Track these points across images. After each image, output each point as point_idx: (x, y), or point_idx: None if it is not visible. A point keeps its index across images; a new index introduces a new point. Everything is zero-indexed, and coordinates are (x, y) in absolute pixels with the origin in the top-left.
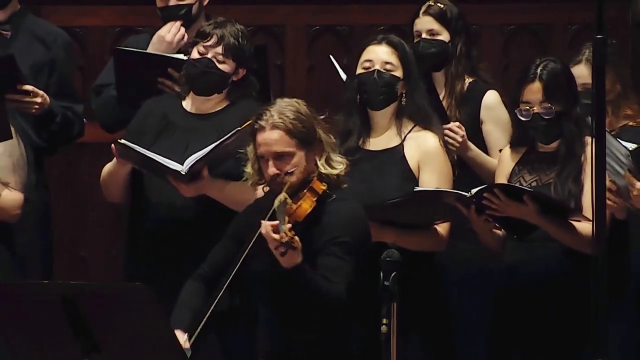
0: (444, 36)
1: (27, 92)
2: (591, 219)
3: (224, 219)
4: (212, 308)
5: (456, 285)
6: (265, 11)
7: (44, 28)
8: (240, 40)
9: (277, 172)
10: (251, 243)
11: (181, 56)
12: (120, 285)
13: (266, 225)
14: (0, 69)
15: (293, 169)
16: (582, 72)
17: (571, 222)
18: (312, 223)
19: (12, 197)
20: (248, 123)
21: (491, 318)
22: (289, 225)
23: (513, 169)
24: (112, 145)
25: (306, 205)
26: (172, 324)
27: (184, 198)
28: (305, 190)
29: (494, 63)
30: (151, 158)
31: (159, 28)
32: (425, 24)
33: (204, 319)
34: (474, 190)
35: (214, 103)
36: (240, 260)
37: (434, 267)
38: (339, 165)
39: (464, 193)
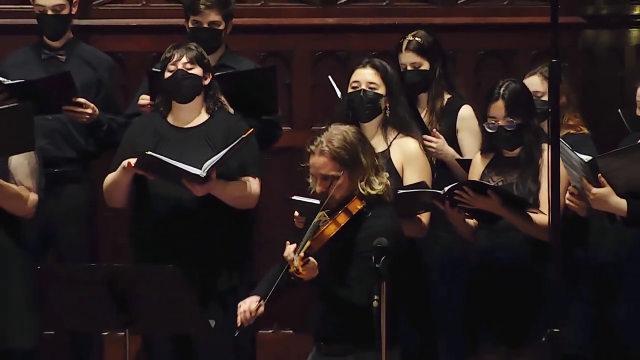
0: (425, 65)
1: (80, 104)
2: (546, 212)
3: (221, 211)
4: (277, 281)
5: (435, 268)
6: (277, 39)
7: (92, 53)
8: (198, 50)
9: (324, 190)
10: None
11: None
12: (154, 267)
13: (289, 250)
14: (58, 84)
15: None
16: (534, 81)
17: (528, 213)
18: (351, 235)
19: (27, 195)
20: (249, 132)
21: (464, 295)
22: (302, 255)
23: (483, 171)
24: (127, 160)
25: (329, 230)
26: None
27: (188, 194)
28: (340, 212)
29: (467, 82)
30: (173, 165)
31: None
32: (408, 58)
33: (272, 287)
34: (446, 188)
35: (194, 115)
36: (266, 299)
37: (414, 252)
38: (379, 186)
39: (438, 191)
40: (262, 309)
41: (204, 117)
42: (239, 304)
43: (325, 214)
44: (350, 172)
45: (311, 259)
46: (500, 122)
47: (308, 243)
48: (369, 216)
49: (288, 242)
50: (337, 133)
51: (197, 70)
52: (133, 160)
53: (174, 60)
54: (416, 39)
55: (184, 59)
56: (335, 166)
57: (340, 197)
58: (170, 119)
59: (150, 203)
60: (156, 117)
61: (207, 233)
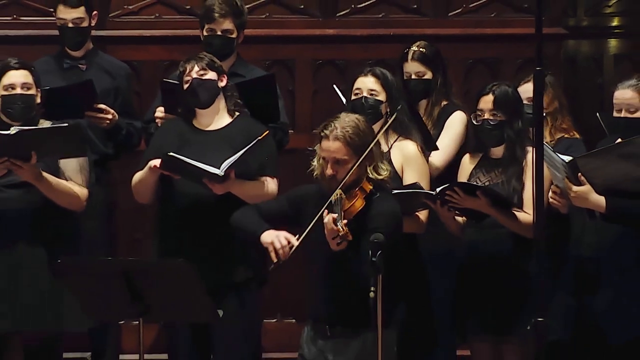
0: (428, 75)
1: (101, 110)
2: (529, 210)
3: (237, 206)
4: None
5: (428, 262)
6: (280, 48)
7: (110, 62)
8: (208, 57)
9: (334, 173)
10: (311, 224)
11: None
12: (166, 261)
13: (329, 217)
14: (81, 92)
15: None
16: (529, 88)
17: (513, 211)
18: (360, 214)
19: (79, 189)
20: (265, 134)
21: (454, 287)
22: (345, 221)
23: (471, 171)
24: (153, 160)
25: (358, 204)
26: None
27: (208, 191)
28: (357, 190)
29: (457, 89)
30: (194, 165)
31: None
32: (413, 67)
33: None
34: (438, 189)
35: (218, 119)
36: (303, 235)
37: (415, 247)
38: (384, 172)
39: (431, 192)
40: (297, 243)
41: (226, 120)
42: (270, 241)
43: (342, 193)
44: (359, 158)
45: (349, 233)
46: (486, 115)
47: (345, 221)
48: (376, 197)
49: (325, 212)
50: (350, 120)
51: (211, 75)
52: (157, 162)
53: (188, 71)
54: (420, 49)
55: (196, 68)
56: (349, 151)
57: (350, 181)
58: (194, 122)
59: (173, 199)
60: (181, 121)
61: (225, 228)
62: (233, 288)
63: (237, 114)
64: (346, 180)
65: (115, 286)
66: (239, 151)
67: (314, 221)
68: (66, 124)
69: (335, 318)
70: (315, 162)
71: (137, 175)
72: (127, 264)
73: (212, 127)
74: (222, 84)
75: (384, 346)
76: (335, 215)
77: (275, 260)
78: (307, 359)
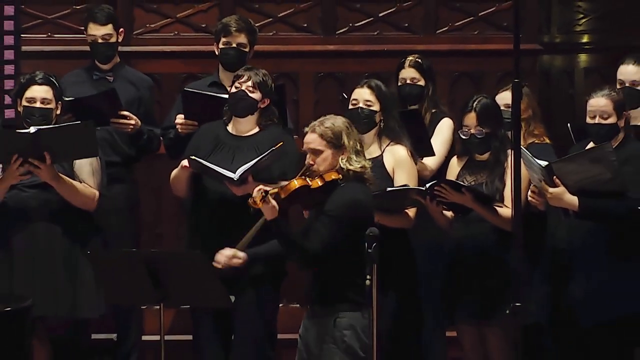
0: (422, 82)
1: (125, 117)
2: (509, 205)
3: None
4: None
5: (419, 253)
6: (286, 62)
7: (134, 74)
8: (264, 78)
9: (311, 162)
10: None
11: (225, 96)
12: (184, 252)
13: (261, 185)
14: (106, 100)
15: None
16: (506, 96)
17: (494, 207)
18: (323, 201)
19: (91, 191)
20: (279, 145)
21: (444, 276)
22: (263, 191)
23: (459, 172)
24: (186, 160)
25: (294, 184)
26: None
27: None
28: (316, 177)
29: (444, 99)
30: (212, 168)
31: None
32: (409, 73)
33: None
34: (427, 185)
35: (250, 127)
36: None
37: (407, 241)
38: (357, 164)
39: (421, 188)
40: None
41: (256, 129)
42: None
43: (303, 175)
44: (333, 150)
45: (272, 200)
46: (472, 130)
47: (276, 190)
48: (341, 186)
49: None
50: (328, 118)
51: (257, 95)
52: (187, 162)
53: (242, 80)
54: (417, 59)
55: (249, 83)
56: (322, 142)
57: (323, 170)
58: (229, 128)
59: (203, 195)
60: (219, 125)
61: (247, 224)
62: (251, 279)
63: (266, 124)
64: (312, 171)
65: (138, 275)
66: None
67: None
68: (78, 122)
69: (316, 298)
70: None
71: (174, 173)
72: (149, 255)
73: (244, 134)
74: (263, 105)
75: (356, 326)
76: (269, 187)
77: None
78: (300, 335)
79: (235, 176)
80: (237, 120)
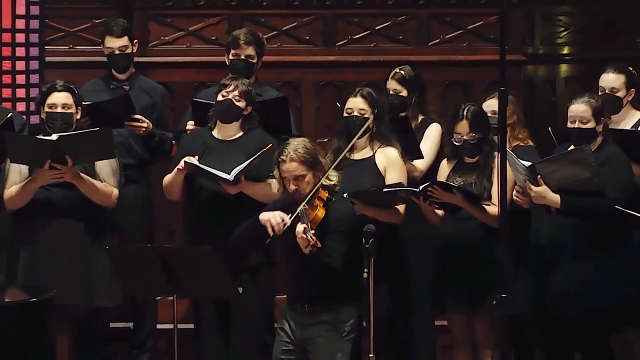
0: (404, 93)
1: (138, 120)
2: (496, 204)
3: (249, 203)
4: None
5: (410, 248)
6: (289, 72)
7: (148, 83)
8: (248, 87)
9: (296, 188)
10: (294, 216)
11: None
12: (195, 247)
13: (300, 227)
14: (120, 105)
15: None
16: (493, 103)
17: (483, 205)
18: (323, 217)
19: (110, 189)
20: (269, 146)
21: (434, 269)
22: (313, 231)
23: (449, 174)
24: (183, 161)
25: (320, 213)
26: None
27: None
28: (316, 200)
29: (436, 106)
30: (207, 170)
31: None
32: (392, 85)
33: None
34: (421, 187)
35: (235, 132)
36: (293, 217)
37: (398, 237)
38: (334, 178)
39: (415, 189)
40: (289, 222)
41: (240, 133)
42: (267, 218)
43: (306, 205)
44: (313, 171)
45: (314, 237)
46: (465, 137)
47: (311, 228)
48: (333, 201)
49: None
50: (298, 143)
51: (242, 104)
52: (182, 165)
53: (229, 89)
54: (401, 72)
55: (236, 92)
56: (304, 168)
57: (308, 191)
58: (215, 133)
59: (197, 194)
60: (205, 132)
61: (241, 219)
62: (248, 270)
63: (248, 127)
64: (307, 191)
65: (153, 268)
66: (249, 158)
67: (295, 213)
68: (97, 128)
69: (315, 296)
70: (276, 181)
71: (167, 177)
72: (164, 250)
73: (230, 138)
74: (246, 112)
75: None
76: (305, 226)
77: (271, 234)
78: (284, 330)
79: (230, 177)
80: (222, 125)
